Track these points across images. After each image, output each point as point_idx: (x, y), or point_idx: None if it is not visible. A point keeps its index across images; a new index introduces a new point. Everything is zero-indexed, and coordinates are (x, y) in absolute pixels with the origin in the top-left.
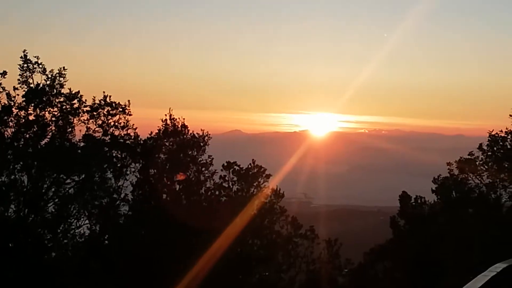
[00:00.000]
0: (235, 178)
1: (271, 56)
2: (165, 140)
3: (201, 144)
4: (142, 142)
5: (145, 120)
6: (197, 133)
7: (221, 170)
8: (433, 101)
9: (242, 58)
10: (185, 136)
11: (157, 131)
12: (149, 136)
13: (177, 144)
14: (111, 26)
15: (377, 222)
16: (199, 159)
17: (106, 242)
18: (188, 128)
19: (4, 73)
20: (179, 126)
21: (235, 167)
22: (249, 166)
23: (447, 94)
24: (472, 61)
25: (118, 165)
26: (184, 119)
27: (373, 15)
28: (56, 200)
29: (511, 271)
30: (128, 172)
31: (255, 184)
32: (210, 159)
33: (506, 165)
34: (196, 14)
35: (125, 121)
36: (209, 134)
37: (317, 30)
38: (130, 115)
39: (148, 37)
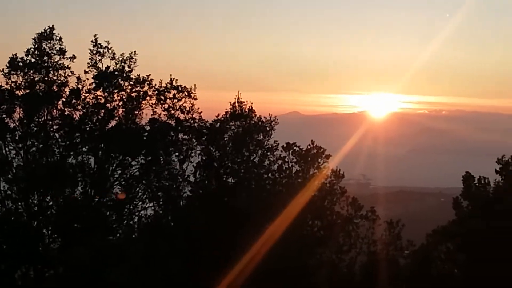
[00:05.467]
0: (294, 159)
1: (330, 36)
2: (232, 123)
3: (268, 128)
4: (209, 124)
5: (206, 103)
6: (264, 117)
7: (281, 151)
8: (495, 80)
9: (301, 40)
10: (251, 120)
11: (224, 114)
12: (215, 118)
13: (244, 127)
14: (179, 9)
15: (437, 203)
16: (265, 144)
17: (172, 223)
18: (255, 112)
19: (73, 57)
20: (246, 109)
21: (295, 148)
22: (309, 147)
23: (510, 73)
24: None
25: (184, 148)
26: (252, 103)
27: None
28: (122, 182)
29: None
30: (193, 155)
31: (315, 165)
32: (276, 144)
33: None
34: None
35: (191, 105)
36: (276, 119)
37: (378, 10)
38: (196, 99)
39: (212, 23)
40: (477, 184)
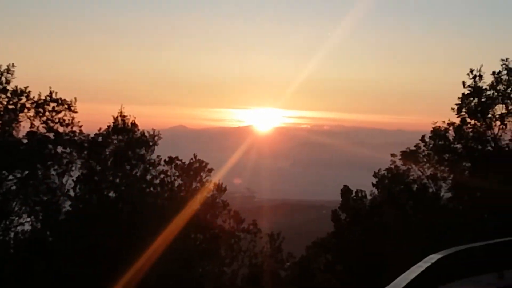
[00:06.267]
0: (177, 173)
1: (216, 51)
2: (114, 137)
3: (150, 143)
4: (90, 138)
5: (88, 116)
6: (147, 131)
7: (163, 165)
8: (374, 97)
9: (187, 54)
10: (134, 134)
11: (106, 128)
12: (97, 132)
13: (126, 141)
14: (61, 22)
15: (319, 216)
16: (148, 158)
17: (50, 239)
18: (138, 127)
19: None
20: (129, 123)
21: (177, 162)
22: (191, 161)
23: (387, 90)
24: (412, 58)
25: (64, 161)
26: (135, 117)
27: (317, 12)
28: None
29: (445, 261)
30: (73, 168)
31: (197, 179)
32: (158, 159)
33: (446, 157)
34: (141, 11)
35: (71, 118)
36: (160, 134)
37: (262, 26)
38: (76, 112)
39: (97, 34)
40: (354, 197)
